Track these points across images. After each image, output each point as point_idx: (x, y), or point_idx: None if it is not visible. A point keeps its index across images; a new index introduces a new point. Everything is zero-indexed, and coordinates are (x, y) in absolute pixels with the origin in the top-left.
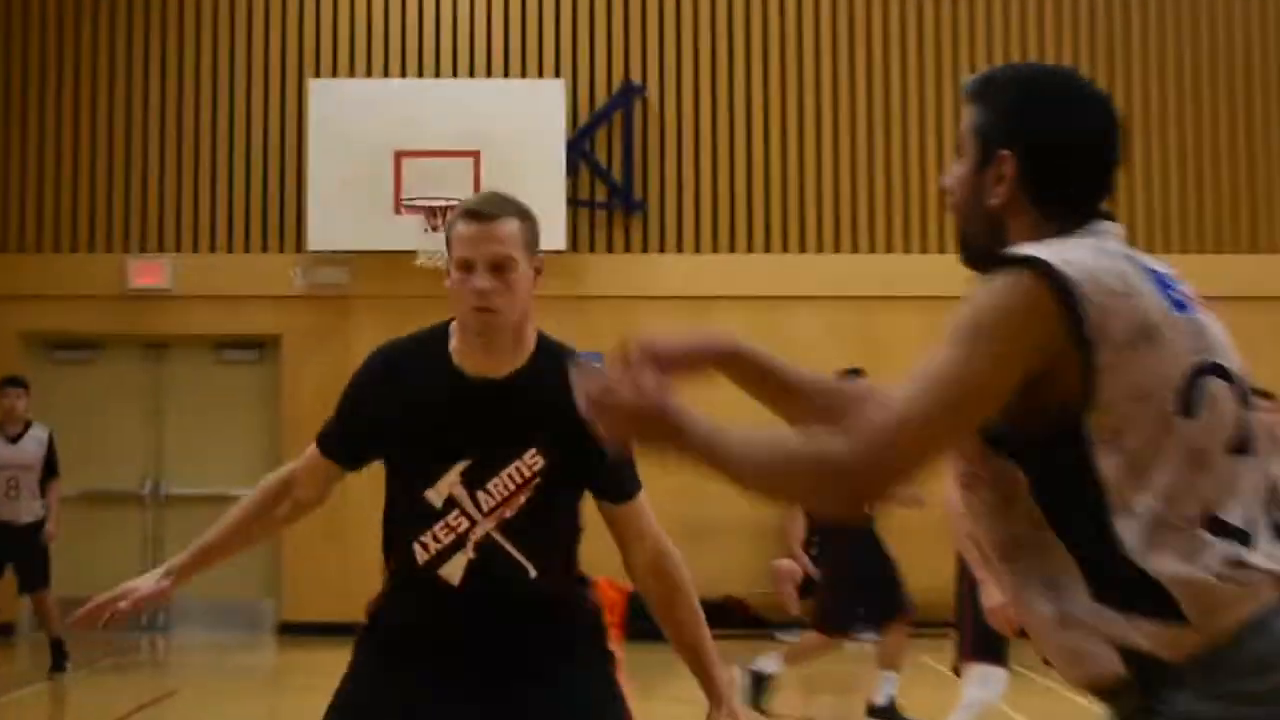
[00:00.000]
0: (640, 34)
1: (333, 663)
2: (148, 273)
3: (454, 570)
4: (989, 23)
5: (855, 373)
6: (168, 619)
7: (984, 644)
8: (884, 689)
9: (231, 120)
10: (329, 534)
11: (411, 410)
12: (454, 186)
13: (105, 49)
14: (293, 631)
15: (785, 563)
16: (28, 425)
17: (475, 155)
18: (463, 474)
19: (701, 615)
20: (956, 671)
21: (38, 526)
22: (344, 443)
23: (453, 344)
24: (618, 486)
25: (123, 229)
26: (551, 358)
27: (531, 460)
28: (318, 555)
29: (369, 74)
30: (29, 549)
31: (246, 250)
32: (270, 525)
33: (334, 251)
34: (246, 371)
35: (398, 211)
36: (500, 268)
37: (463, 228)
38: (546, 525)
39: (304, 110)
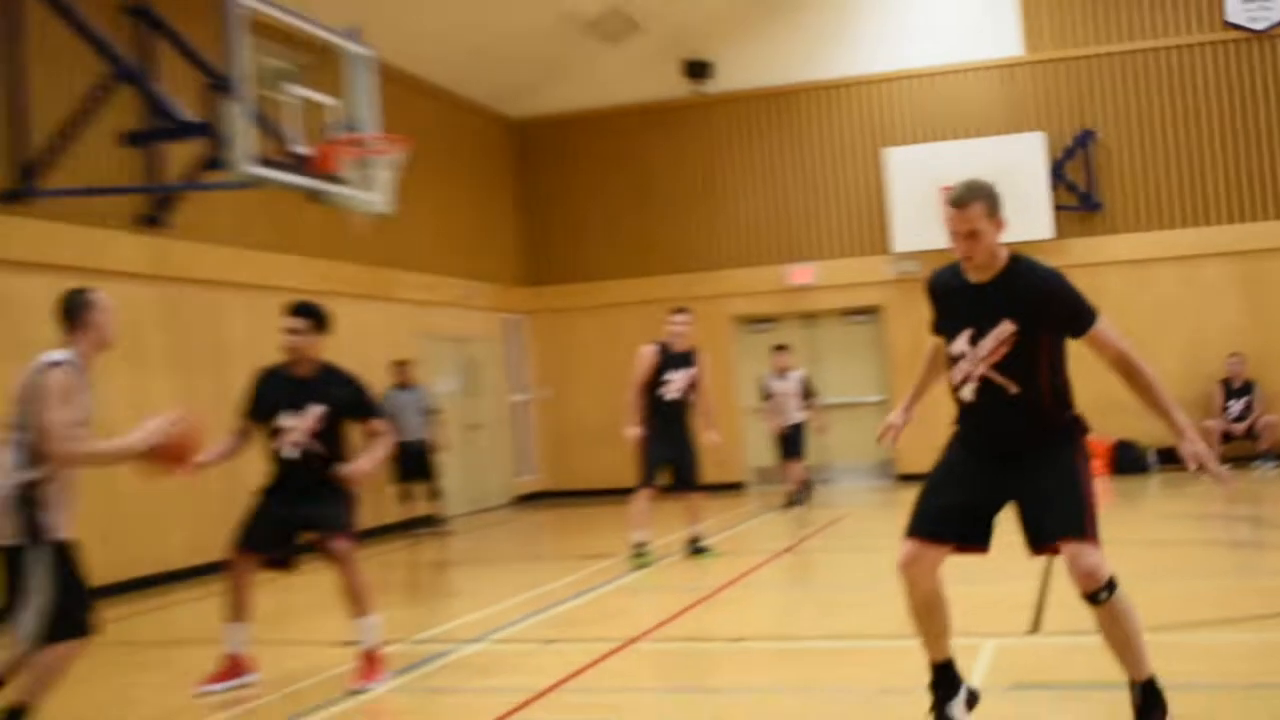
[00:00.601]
0: (1092, 96)
1: None
2: (800, 274)
3: (968, 393)
4: None
5: None
6: (828, 474)
7: None
8: None
9: (835, 175)
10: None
11: (943, 300)
12: None
13: (761, 135)
14: (906, 479)
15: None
16: (791, 370)
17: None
18: (969, 338)
19: (1155, 384)
20: None
21: (800, 426)
22: (936, 323)
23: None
24: (1074, 328)
25: (781, 246)
26: (1017, 268)
27: (1006, 327)
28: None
29: (922, 141)
30: (795, 438)
31: (859, 254)
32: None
33: (912, 252)
34: (863, 329)
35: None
36: (971, 235)
37: (947, 209)
38: (1021, 363)
39: (882, 166)
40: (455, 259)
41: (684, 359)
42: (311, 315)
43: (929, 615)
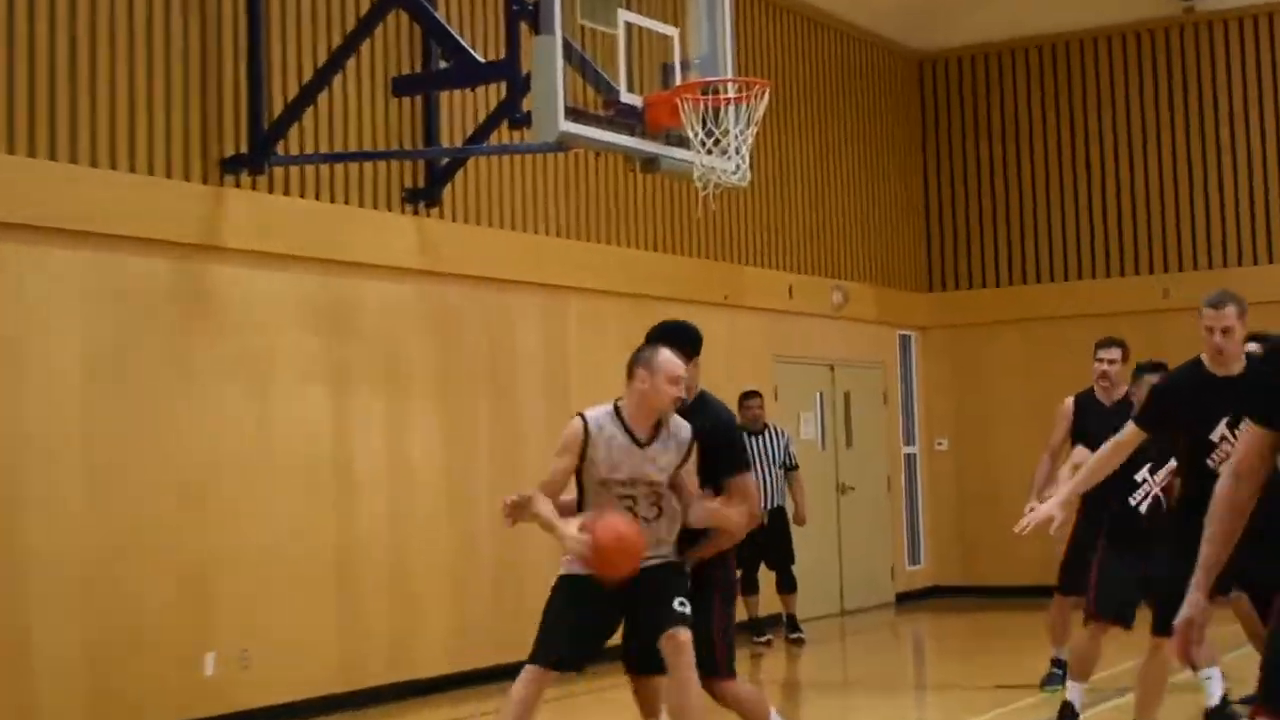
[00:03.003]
0: None
1: None
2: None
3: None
4: None
5: None
6: None
7: None
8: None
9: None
10: None
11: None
12: None
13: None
14: None
15: None
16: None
17: None
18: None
19: None
20: None
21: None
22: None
23: (1205, 357)
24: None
25: (1160, 255)
26: (1256, 362)
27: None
28: None
29: None
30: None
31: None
32: None
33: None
34: None
35: None
36: (1226, 331)
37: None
38: None
39: None
40: (827, 251)
41: (1115, 415)
42: (681, 340)
43: None
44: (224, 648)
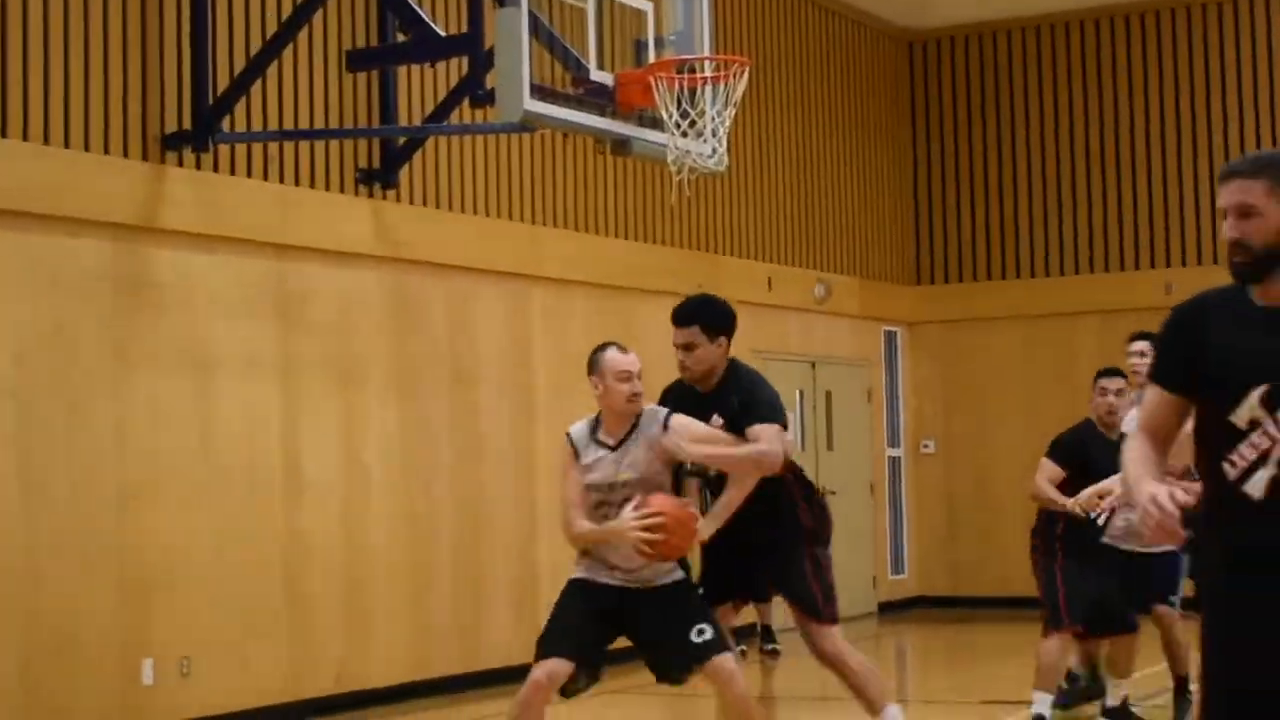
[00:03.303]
0: None
1: None
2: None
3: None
4: None
5: None
6: None
7: None
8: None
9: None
10: None
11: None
12: None
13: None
14: None
15: None
16: None
17: None
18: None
19: None
20: None
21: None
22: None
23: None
24: None
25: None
26: None
27: None
28: None
29: None
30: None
31: None
32: None
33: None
34: None
35: None
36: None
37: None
38: None
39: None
40: (809, 241)
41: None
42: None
43: None
44: (163, 655)
